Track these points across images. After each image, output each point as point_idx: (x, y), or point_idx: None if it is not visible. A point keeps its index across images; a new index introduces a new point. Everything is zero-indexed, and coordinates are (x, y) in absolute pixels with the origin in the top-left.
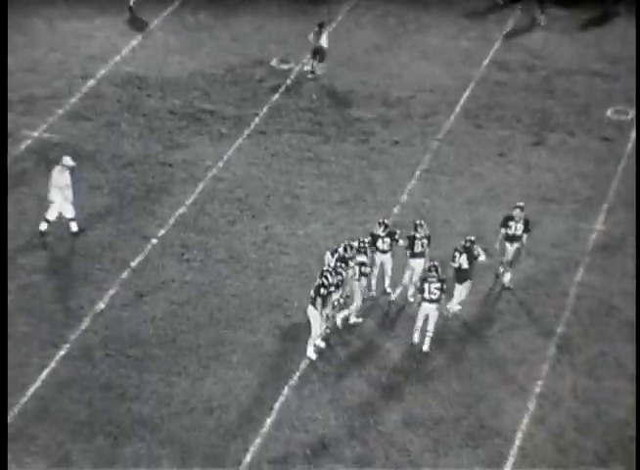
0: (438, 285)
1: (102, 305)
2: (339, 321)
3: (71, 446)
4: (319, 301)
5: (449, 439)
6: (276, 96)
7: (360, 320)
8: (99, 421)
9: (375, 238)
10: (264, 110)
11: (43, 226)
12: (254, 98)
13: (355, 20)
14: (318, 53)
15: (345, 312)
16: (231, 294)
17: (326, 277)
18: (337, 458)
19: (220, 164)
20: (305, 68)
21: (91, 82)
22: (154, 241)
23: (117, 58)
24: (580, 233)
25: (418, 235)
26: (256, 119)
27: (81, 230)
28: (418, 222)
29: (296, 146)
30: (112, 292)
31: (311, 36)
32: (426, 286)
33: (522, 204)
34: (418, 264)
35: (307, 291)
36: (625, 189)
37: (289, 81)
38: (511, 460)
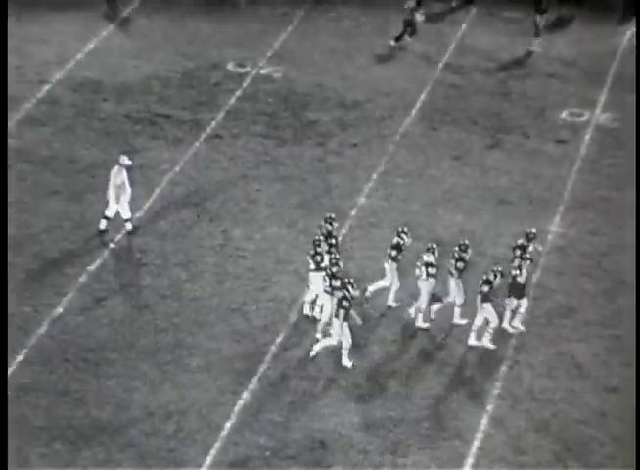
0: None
1: (60, 310)
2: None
3: (30, 451)
4: (342, 313)
5: (409, 440)
6: (232, 100)
7: (428, 325)
8: (57, 426)
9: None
10: (221, 114)
11: (102, 225)
12: (211, 102)
13: (311, 23)
14: (410, 26)
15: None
16: (189, 298)
17: (348, 290)
18: (296, 461)
19: (177, 169)
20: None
21: (47, 87)
22: (111, 245)
23: (73, 62)
24: (537, 235)
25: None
26: (213, 123)
27: (135, 229)
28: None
29: (252, 150)
30: (69, 296)
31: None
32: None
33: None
34: None
35: (266, 295)
36: (580, 190)
37: (245, 85)
38: (470, 461)
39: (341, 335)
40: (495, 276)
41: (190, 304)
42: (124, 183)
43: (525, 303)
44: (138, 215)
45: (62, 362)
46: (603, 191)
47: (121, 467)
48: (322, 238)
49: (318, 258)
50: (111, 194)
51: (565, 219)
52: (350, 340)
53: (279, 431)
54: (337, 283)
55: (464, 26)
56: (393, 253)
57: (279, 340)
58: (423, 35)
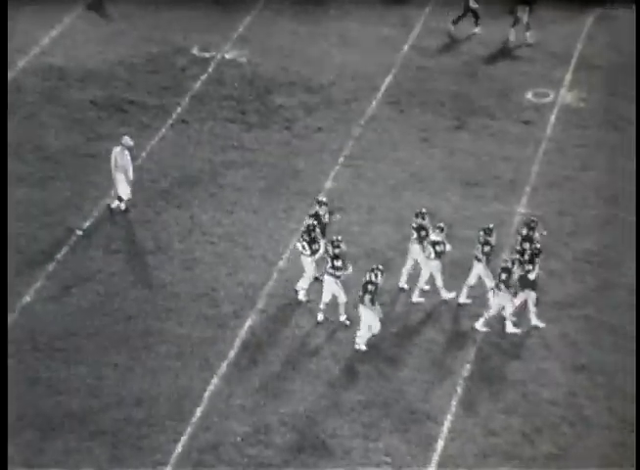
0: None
1: (28, 299)
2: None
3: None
4: (367, 298)
5: (380, 423)
6: (198, 85)
7: (422, 299)
8: (28, 415)
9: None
10: (187, 99)
11: (122, 206)
12: (177, 87)
13: (275, 6)
14: (469, 12)
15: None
16: (158, 284)
17: (376, 275)
18: (267, 445)
19: (144, 155)
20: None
21: (11, 74)
22: (79, 232)
23: (37, 49)
24: (504, 216)
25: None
26: (179, 109)
27: (128, 210)
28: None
29: (219, 134)
30: (38, 285)
31: None
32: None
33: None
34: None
35: (234, 280)
36: (547, 171)
37: (210, 70)
38: (440, 443)
39: (371, 320)
40: (513, 264)
41: (159, 290)
42: (127, 164)
43: (533, 295)
44: (105, 202)
45: (31, 351)
46: (569, 171)
47: (92, 454)
48: (315, 222)
49: (313, 243)
50: (116, 175)
51: (532, 200)
52: (379, 325)
53: (250, 416)
54: (339, 263)
55: (429, 8)
56: (422, 233)
57: (248, 325)
58: (389, 17)
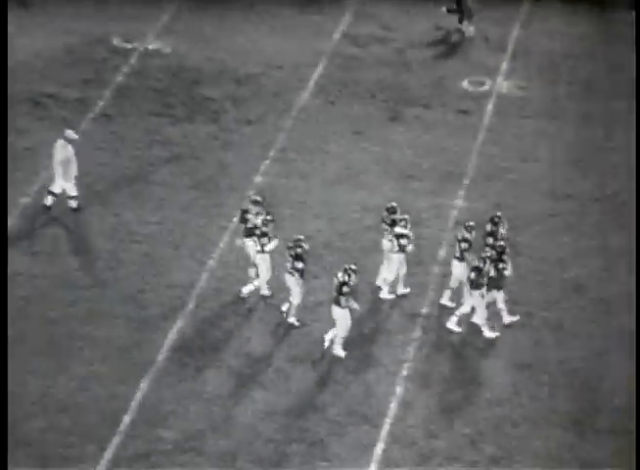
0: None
1: None
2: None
3: None
4: (343, 299)
5: (316, 428)
6: (120, 77)
7: (393, 296)
8: None
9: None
10: (108, 92)
11: (48, 201)
12: (97, 79)
13: None
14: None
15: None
16: (82, 286)
17: (349, 275)
18: (199, 452)
19: None
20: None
21: None
22: None
23: None
24: (442, 210)
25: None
26: (100, 102)
27: (80, 208)
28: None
29: (143, 129)
30: None
31: None
32: None
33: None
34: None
35: (162, 281)
36: (485, 162)
37: (133, 61)
38: (380, 447)
39: (346, 322)
40: (484, 262)
41: (83, 292)
42: (70, 158)
43: (502, 295)
44: (25, 200)
45: None
46: (508, 162)
47: (18, 467)
48: (269, 218)
49: (265, 239)
50: (56, 169)
51: (470, 193)
52: (349, 327)
53: (180, 422)
54: (300, 264)
55: None
56: (402, 242)
57: (178, 327)
58: (318, 4)
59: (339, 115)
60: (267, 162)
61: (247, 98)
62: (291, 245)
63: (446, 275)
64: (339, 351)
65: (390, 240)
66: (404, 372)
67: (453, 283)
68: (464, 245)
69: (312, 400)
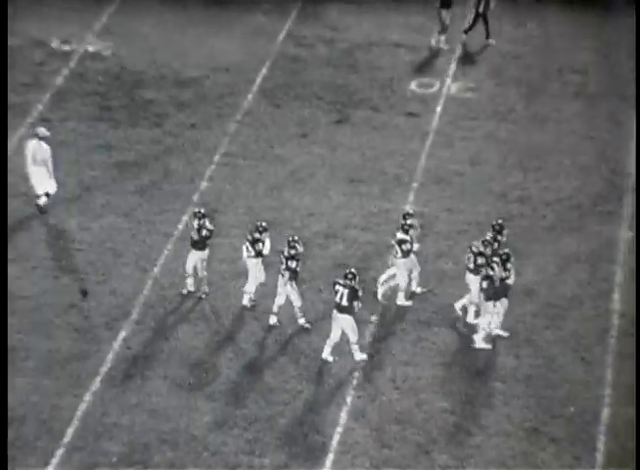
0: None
1: None
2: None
3: None
4: (355, 305)
5: (265, 438)
6: (59, 80)
7: (410, 303)
8: None
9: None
10: (47, 95)
11: (42, 200)
12: (35, 83)
13: None
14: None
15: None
16: (22, 296)
17: (350, 279)
18: (145, 465)
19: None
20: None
21: None
22: None
23: None
24: (391, 214)
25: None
26: (39, 106)
27: (45, 210)
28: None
29: (84, 133)
30: None
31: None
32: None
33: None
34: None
35: (105, 289)
36: (434, 165)
37: (72, 64)
38: (330, 457)
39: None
40: (492, 269)
41: (23, 302)
42: (47, 156)
43: (505, 303)
44: None
45: None
46: (457, 165)
47: None
48: (264, 224)
49: (260, 244)
50: (34, 170)
51: (419, 197)
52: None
53: (125, 434)
54: (294, 264)
55: None
56: (405, 247)
57: (122, 337)
58: (263, 4)
59: (284, 117)
60: (212, 166)
61: (190, 101)
62: (286, 246)
63: None
64: (359, 355)
65: (392, 246)
66: (355, 381)
67: (474, 298)
68: (480, 260)
69: (261, 411)
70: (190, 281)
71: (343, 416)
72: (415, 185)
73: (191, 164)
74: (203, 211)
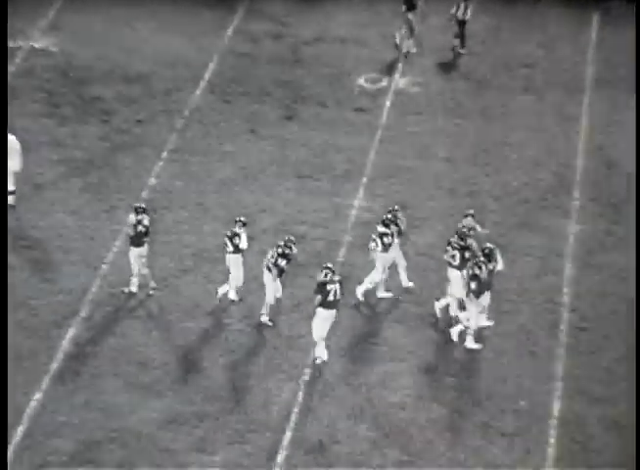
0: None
1: None
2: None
3: None
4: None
5: (216, 436)
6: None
7: (390, 295)
8: None
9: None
10: None
11: (11, 200)
12: None
13: None
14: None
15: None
16: None
17: (326, 274)
18: (97, 463)
19: None
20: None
21: None
22: None
23: None
24: (341, 210)
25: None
26: None
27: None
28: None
29: (31, 130)
30: None
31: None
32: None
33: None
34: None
35: (54, 286)
36: (383, 161)
37: (18, 60)
38: (282, 454)
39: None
40: (480, 268)
41: None
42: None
43: (488, 297)
44: None
45: None
46: (407, 161)
47: None
48: (243, 219)
49: (237, 239)
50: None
51: (369, 192)
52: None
53: (76, 433)
54: (282, 262)
55: None
56: (386, 240)
57: (70, 335)
58: (210, 1)
59: (233, 113)
60: (161, 163)
61: (138, 97)
62: (281, 243)
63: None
64: (323, 354)
65: (374, 240)
66: (306, 377)
67: (459, 292)
68: (467, 254)
69: (211, 408)
70: (134, 281)
71: (294, 412)
72: (364, 180)
73: (139, 160)
74: (144, 206)
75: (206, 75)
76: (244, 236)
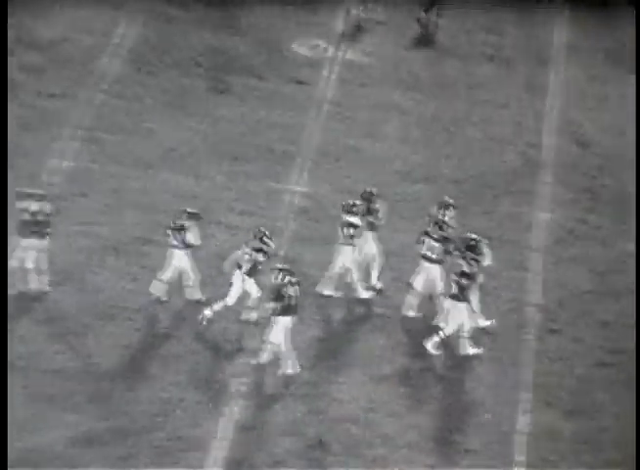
0: None
1: None
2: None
3: None
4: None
5: (139, 455)
6: None
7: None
8: None
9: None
10: None
11: None
12: None
13: None
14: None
15: None
16: None
17: (280, 277)
18: None
19: None
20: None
21: None
22: None
23: None
24: (279, 195)
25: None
26: None
27: None
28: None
29: None
30: None
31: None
32: None
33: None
34: None
35: None
36: (328, 140)
37: None
38: None
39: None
40: (470, 264)
41: None
42: None
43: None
44: None
45: None
46: (354, 140)
47: None
48: (191, 210)
49: (183, 232)
50: None
51: (311, 176)
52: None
53: None
54: (260, 257)
55: None
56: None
57: None
58: None
59: (157, 87)
60: (75, 143)
61: (47, 68)
62: (250, 237)
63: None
64: (293, 368)
65: (342, 229)
66: (241, 388)
67: (438, 288)
68: (451, 246)
69: (134, 424)
70: (32, 277)
71: (229, 427)
72: (307, 163)
73: (49, 139)
74: (42, 192)
75: (128, 44)
76: (196, 230)
